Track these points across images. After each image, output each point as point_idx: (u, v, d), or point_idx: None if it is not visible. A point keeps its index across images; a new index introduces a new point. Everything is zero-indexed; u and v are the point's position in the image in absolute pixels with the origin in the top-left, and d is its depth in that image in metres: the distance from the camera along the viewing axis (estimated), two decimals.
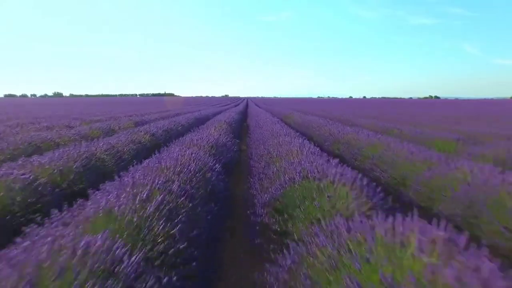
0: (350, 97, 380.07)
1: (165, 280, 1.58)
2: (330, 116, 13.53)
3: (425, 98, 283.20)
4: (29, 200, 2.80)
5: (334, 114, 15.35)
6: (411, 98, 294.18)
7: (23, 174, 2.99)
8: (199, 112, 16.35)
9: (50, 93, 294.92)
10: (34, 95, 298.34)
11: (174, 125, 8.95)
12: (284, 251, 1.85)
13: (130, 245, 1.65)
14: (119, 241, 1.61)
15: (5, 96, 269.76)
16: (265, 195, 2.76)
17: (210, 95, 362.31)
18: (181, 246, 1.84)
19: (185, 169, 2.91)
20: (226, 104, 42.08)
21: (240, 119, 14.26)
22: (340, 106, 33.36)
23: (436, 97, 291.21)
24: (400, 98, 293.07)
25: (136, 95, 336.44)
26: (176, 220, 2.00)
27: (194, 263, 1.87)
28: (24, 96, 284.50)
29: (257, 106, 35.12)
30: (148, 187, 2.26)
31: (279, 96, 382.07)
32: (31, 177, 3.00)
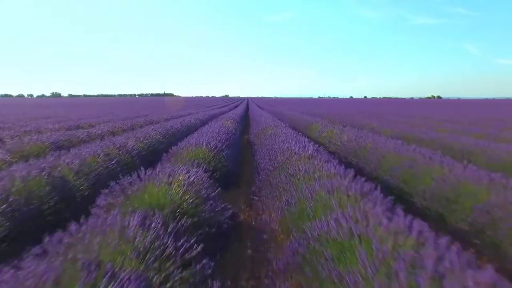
0: (351, 97, 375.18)
1: None
2: (387, 130, 8.68)
3: (428, 98, 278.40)
4: None
5: (387, 125, 10.25)
6: (412, 98, 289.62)
7: None
8: (182, 120, 11.71)
9: (48, 93, 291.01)
10: (31, 95, 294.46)
11: (95, 164, 4.24)
12: None
13: None
14: None
15: (1, 96, 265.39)
16: None
17: (210, 95, 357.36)
18: None
19: None
20: (224, 105, 37.35)
21: (239, 132, 9.62)
22: (362, 108, 28.54)
23: (439, 97, 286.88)
24: (402, 98, 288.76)
25: (135, 95, 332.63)
26: None
27: None
28: (20, 96, 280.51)
29: (259, 108, 30.41)
30: None
31: (279, 96, 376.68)
32: None
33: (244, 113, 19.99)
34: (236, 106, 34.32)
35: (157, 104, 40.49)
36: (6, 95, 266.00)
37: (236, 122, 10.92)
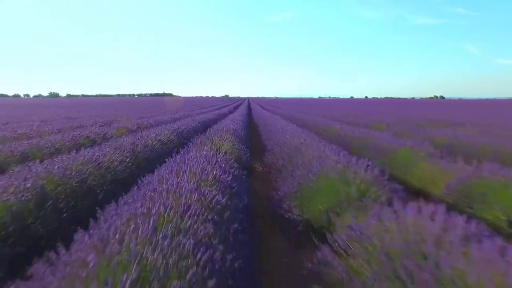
0: (351, 97, 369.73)
1: None
2: None
3: (430, 98, 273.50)
4: None
5: None
6: (413, 98, 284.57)
7: None
8: (133, 141, 6.63)
9: (45, 93, 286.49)
10: (27, 95, 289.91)
11: None
12: None
13: None
14: None
15: None
16: None
17: (210, 95, 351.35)
18: None
19: None
20: (224, 105, 32.28)
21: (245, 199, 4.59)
22: (388, 109, 23.09)
23: (441, 97, 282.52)
24: (404, 98, 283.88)
25: (134, 95, 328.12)
26: None
27: None
28: (16, 96, 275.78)
29: (263, 109, 25.30)
30: None
31: (279, 97, 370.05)
32: None
33: (247, 120, 14.99)
34: (237, 108, 29.28)
35: (147, 106, 35.45)
36: (1, 95, 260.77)
37: (240, 145, 5.90)
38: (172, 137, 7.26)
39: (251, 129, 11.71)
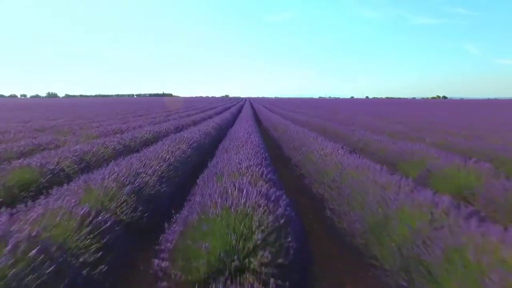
0: (352, 97, 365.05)
1: None
2: None
3: (433, 98, 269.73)
4: None
5: None
6: (414, 98, 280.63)
7: None
8: None
9: (43, 94, 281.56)
10: (24, 95, 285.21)
11: None
12: None
13: None
14: None
15: None
16: None
17: (210, 95, 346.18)
18: None
19: None
20: (225, 107, 28.00)
21: None
22: (430, 112, 18.39)
23: (444, 97, 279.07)
24: (404, 98, 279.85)
25: (133, 95, 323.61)
26: None
27: None
28: (13, 96, 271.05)
29: (272, 112, 20.71)
30: None
31: (279, 97, 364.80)
32: None
33: (262, 136, 10.65)
34: (240, 110, 25.02)
35: (139, 108, 31.11)
36: None
37: None
38: (127, 209, 2.98)
39: (276, 159, 7.40)
